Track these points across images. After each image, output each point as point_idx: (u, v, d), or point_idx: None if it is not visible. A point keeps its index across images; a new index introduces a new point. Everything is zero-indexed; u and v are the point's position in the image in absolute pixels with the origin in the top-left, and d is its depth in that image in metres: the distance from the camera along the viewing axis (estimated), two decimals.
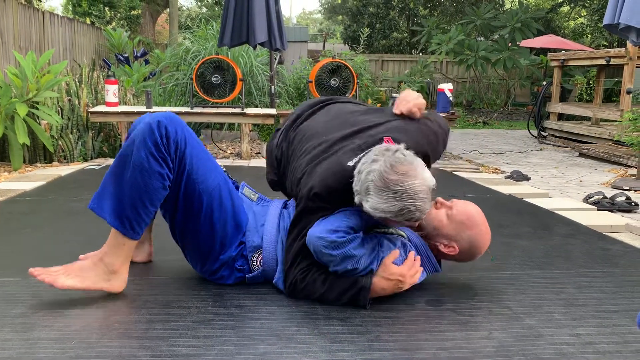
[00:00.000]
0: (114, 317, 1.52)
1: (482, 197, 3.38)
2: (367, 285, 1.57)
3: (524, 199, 3.31)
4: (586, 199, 3.33)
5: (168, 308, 1.59)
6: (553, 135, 7.56)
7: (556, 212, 2.97)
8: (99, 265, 1.62)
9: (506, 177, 4.31)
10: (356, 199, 1.53)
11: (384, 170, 1.48)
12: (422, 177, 1.50)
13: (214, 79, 4.89)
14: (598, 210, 3.15)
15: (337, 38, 23.48)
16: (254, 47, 5.35)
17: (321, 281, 1.60)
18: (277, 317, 1.54)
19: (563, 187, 4.14)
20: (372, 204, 1.49)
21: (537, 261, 2.13)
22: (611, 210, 3.14)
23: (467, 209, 1.73)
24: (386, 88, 11.56)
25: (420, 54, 14.74)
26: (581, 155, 6.01)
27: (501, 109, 11.62)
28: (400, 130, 1.71)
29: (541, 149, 6.69)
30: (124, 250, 1.63)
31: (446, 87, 5.30)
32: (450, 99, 5.31)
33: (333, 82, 5.06)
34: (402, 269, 1.60)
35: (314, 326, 1.48)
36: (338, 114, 1.88)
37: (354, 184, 1.54)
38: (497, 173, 4.79)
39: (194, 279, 1.83)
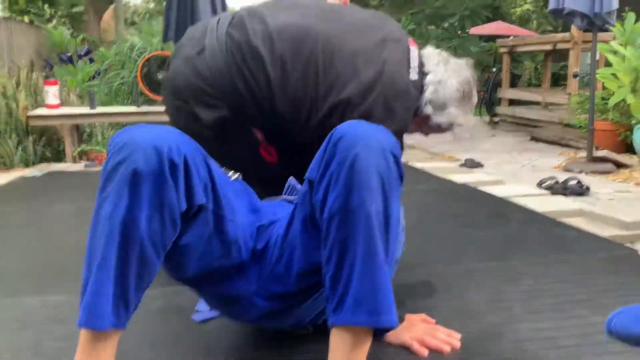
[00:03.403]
0: None
1: (437, 188, 3.36)
2: None
3: (478, 187, 3.29)
4: (539, 184, 3.34)
5: None
6: (505, 121, 7.67)
7: (510, 199, 2.96)
8: None
9: (460, 165, 4.31)
10: (427, 110, 1.51)
11: (467, 81, 1.55)
12: None
13: (159, 76, 4.71)
14: (551, 194, 3.17)
15: None
16: None
17: None
18: None
19: (516, 172, 4.17)
20: (450, 117, 1.52)
21: (494, 252, 2.10)
22: (564, 194, 3.16)
23: None
24: None
25: None
26: (533, 139, 6.10)
27: None
28: None
29: (494, 135, 6.76)
30: None
31: None
32: None
33: None
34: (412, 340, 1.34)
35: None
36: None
37: (427, 95, 1.50)
38: (451, 161, 4.79)
39: None
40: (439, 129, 1.60)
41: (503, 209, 2.79)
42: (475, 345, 1.36)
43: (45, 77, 4.84)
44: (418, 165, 4.19)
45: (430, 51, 1.59)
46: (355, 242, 0.98)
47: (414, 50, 1.51)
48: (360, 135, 1.01)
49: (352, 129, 1.02)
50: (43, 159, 4.72)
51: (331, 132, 1.03)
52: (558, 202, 2.92)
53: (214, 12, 4.69)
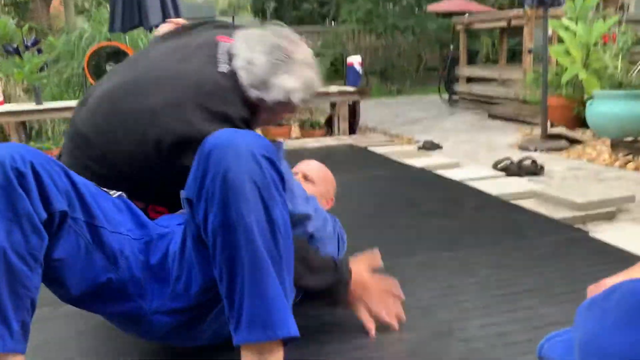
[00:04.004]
0: None
1: (395, 174, 3.35)
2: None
3: (436, 171, 3.29)
4: (495, 166, 3.36)
5: None
6: (464, 99, 7.72)
7: (466, 182, 2.97)
8: None
9: (419, 148, 4.31)
10: (253, 93, 1.36)
11: (275, 45, 1.38)
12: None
13: (108, 67, 4.54)
14: (507, 176, 3.19)
15: (247, 10, 22.92)
16: (149, 30, 5.02)
17: None
18: None
19: (473, 153, 4.19)
20: (281, 88, 1.35)
21: (447, 241, 2.09)
22: (519, 175, 3.18)
23: (313, 166, 1.74)
24: None
25: (333, 24, 14.63)
26: (490, 116, 6.16)
27: (413, 76, 11.78)
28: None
29: (453, 114, 6.80)
30: None
31: (355, 60, 5.22)
32: (360, 72, 5.23)
33: None
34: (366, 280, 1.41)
35: None
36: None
37: (243, 80, 1.36)
38: (410, 143, 4.79)
39: None
40: (284, 105, 1.42)
41: (459, 194, 2.79)
42: (424, 345, 1.34)
43: None
44: (378, 150, 4.17)
45: (242, 35, 1.44)
46: (240, 258, 0.98)
47: (222, 45, 1.41)
48: (227, 144, 0.99)
49: (219, 139, 1.00)
50: None
51: (201, 144, 1.02)
52: (513, 184, 2.94)
53: (163, 2, 4.55)
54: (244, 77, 1.35)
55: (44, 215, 0.96)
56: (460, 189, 2.89)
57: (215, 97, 1.32)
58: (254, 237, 0.98)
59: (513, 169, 3.23)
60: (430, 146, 4.32)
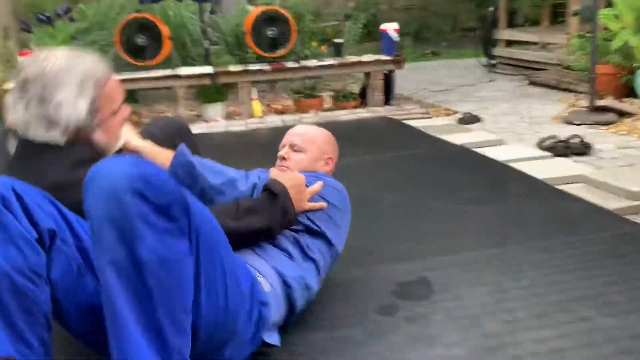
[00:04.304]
0: None
1: (433, 152, 3.22)
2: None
3: (477, 150, 3.16)
4: (540, 144, 3.21)
5: None
6: (503, 64, 7.42)
7: (510, 164, 2.84)
8: None
9: (458, 122, 4.15)
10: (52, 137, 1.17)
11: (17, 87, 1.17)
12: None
13: (139, 41, 4.48)
14: (554, 156, 3.03)
15: None
16: (179, 0, 4.91)
17: None
18: None
19: (515, 126, 4.02)
20: (61, 113, 1.15)
21: (492, 235, 2.00)
22: (566, 155, 3.03)
23: (298, 131, 1.69)
24: (333, 23, 11.10)
25: None
26: (531, 83, 5.90)
27: (449, 37, 11.39)
28: None
29: (492, 80, 6.55)
30: None
31: (390, 27, 5.02)
32: (396, 39, 5.04)
33: (270, 32, 4.70)
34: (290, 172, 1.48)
35: None
36: None
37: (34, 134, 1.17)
38: (448, 114, 4.63)
39: None
40: (88, 124, 1.21)
41: (502, 177, 2.67)
42: None
43: (20, 48, 4.60)
44: (413, 124, 4.03)
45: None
46: (105, 306, 0.95)
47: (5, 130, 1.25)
48: (90, 180, 0.94)
49: (88, 176, 0.95)
50: None
51: None
52: (560, 167, 2.80)
53: None
54: (34, 134, 1.18)
55: (34, 233, 0.97)
56: (503, 171, 2.76)
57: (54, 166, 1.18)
58: (110, 282, 0.92)
59: (559, 149, 3.07)
60: (470, 119, 4.16)
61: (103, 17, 6.27)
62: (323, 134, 1.70)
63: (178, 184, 1.00)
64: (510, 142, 3.44)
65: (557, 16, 9.80)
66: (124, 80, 4.51)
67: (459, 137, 3.48)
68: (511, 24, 8.16)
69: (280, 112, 4.98)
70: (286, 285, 1.31)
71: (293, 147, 1.63)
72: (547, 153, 3.08)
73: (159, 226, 0.93)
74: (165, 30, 4.52)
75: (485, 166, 2.87)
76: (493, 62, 7.45)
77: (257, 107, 4.69)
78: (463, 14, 11.89)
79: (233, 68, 4.77)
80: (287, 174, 1.45)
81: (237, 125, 4.36)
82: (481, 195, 2.43)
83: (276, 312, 1.27)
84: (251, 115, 4.63)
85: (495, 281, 1.65)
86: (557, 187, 2.46)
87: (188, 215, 0.98)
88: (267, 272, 1.29)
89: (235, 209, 1.29)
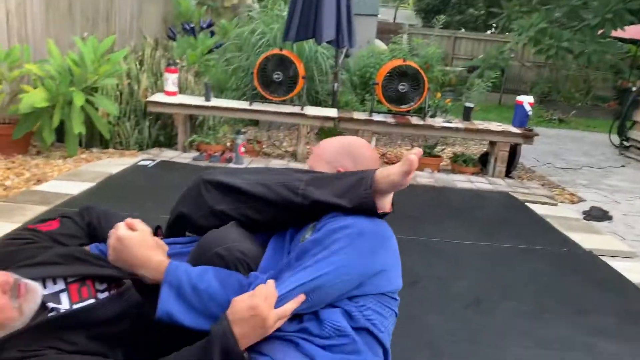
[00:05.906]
0: None
1: (559, 253, 3.02)
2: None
3: (607, 260, 2.93)
4: None
5: None
6: (638, 148, 6.90)
7: None
8: None
9: (584, 217, 3.88)
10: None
11: None
12: None
13: (275, 76, 4.63)
14: None
15: (408, 5, 22.56)
16: (319, 44, 5.03)
17: None
18: None
19: None
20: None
21: None
22: None
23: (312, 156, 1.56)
24: (459, 69, 10.91)
25: (495, 31, 13.86)
26: None
27: (579, 104, 10.81)
28: None
29: (623, 165, 6.11)
30: None
31: (526, 100, 4.84)
32: (529, 113, 4.85)
33: (401, 87, 4.69)
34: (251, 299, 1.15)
35: None
36: None
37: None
38: (573, 201, 4.36)
39: None
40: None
41: (637, 304, 2.44)
42: None
43: (167, 64, 4.91)
44: (537, 209, 3.83)
45: None
46: None
47: None
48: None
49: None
50: (157, 144, 4.85)
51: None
52: None
53: (338, 19, 4.51)
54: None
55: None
56: (638, 297, 2.52)
57: None
58: None
59: None
60: (598, 215, 3.88)
61: (243, 40, 6.58)
62: (331, 145, 1.54)
63: None
64: None
65: None
66: (254, 111, 4.71)
67: (587, 240, 3.25)
68: None
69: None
70: None
71: (313, 168, 1.50)
72: None
73: None
74: (301, 69, 4.65)
75: (618, 286, 2.64)
76: (627, 144, 6.96)
77: None
78: (598, 80, 11.28)
79: (357, 116, 4.80)
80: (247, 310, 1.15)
81: None
82: (612, 326, 2.22)
83: None
84: None
85: None
86: None
87: None
88: None
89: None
